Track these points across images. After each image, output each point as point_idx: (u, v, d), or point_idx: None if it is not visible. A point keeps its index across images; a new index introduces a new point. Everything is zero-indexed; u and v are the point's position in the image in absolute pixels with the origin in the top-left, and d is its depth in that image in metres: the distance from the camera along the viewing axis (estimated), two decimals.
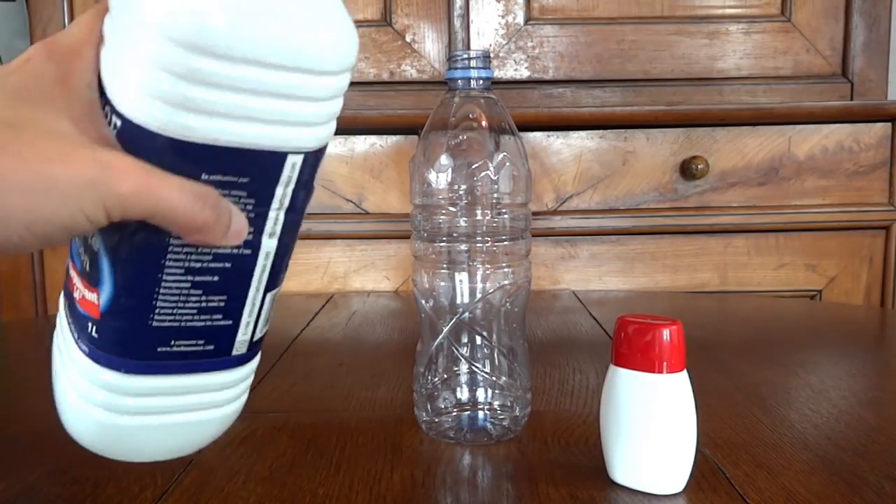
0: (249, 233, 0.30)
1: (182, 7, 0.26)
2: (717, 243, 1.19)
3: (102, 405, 0.32)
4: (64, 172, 0.25)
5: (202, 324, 0.31)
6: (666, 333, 0.40)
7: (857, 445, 0.49)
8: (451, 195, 0.50)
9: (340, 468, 0.46)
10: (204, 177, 0.28)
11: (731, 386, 0.63)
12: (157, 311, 0.30)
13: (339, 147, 1.16)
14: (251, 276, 0.32)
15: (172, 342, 0.31)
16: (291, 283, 1.18)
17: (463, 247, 0.51)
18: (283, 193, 0.31)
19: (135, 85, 0.27)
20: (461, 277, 0.51)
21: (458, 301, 0.51)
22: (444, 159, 0.50)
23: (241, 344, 0.33)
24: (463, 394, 0.52)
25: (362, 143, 1.16)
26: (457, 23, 1.24)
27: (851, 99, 1.26)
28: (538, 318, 0.91)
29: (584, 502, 0.41)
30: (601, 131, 1.16)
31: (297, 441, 0.51)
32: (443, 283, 0.51)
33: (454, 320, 0.51)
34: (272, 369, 0.69)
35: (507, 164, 0.50)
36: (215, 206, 0.28)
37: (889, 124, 1.17)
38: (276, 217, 0.31)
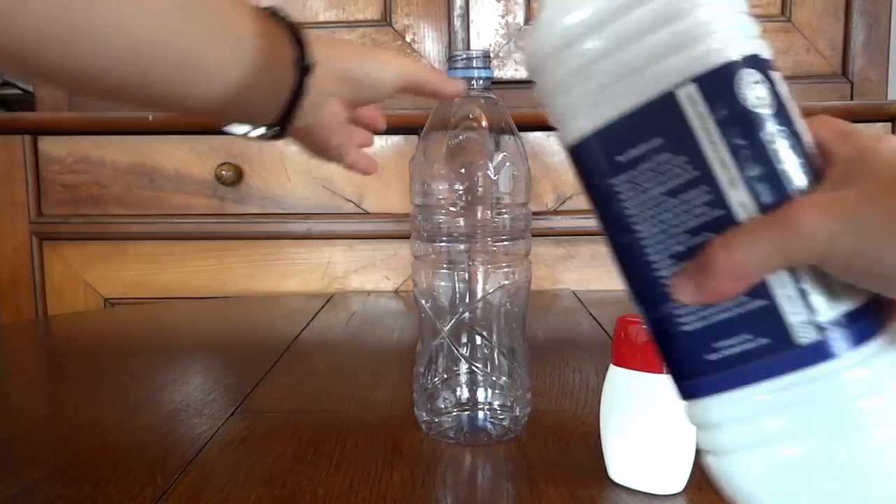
0: (707, 192, 0.26)
1: (554, 14, 0.27)
2: None
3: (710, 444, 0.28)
4: (373, 52, 0.47)
5: (729, 314, 0.27)
6: None
7: None
8: (450, 195, 0.50)
9: (340, 468, 0.46)
10: (621, 158, 0.27)
11: None
12: (674, 310, 0.28)
13: None
14: None
15: (716, 344, 0.27)
16: (291, 282, 1.18)
17: (462, 247, 0.51)
18: (705, 130, 0.26)
19: (565, 114, 0.28)
20: (461, 277, 0.51)
21: (458, 301, 0.51)
22: (444, 159, 0.50)
23: (801, 327, 0.26)
24: (463, 394, 0.52)
25: None
26: (457, 23, 1.24)
27: (851, 99, 1.26)
28: (538, 318, 0.91)
29: (584, 502, 0.41)
30: None
31: (297, 441, 0.51)
32: (443, 283, 0.51)
33: (454, 320, 0.51)
34: (272, 369, 0.69)
35: (507, 164, 0.50)
36: (440, 73, 0.50)
37: (889, 124, 1.16)
38: (721, 159, 0.26)
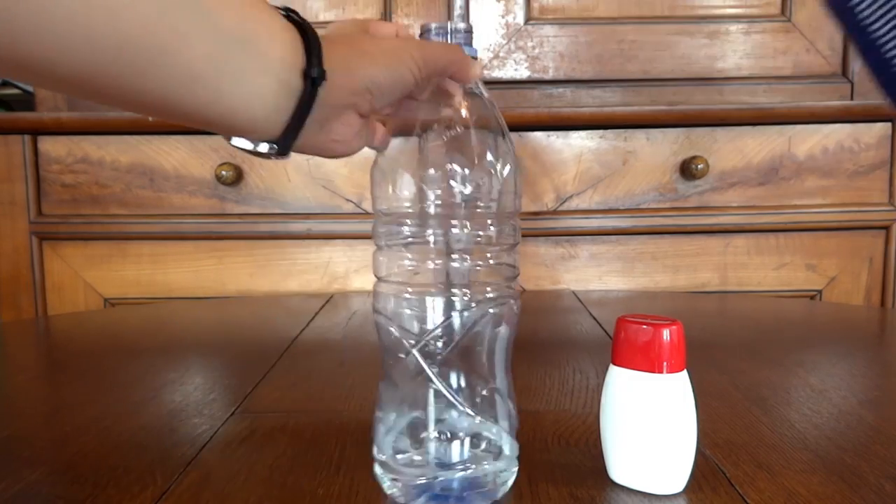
0: None
1: None
2: (717, 243, 1.19)
3: None
4: (387, 46, 0.40)
5: None
6: (666, 333, 0.40)
7: (857, 445, 0.49)
8: (420, 205, 0.41)
9: (340, 468, 0.46)
10: None
11: (731, 386, 0.63)
12: None
13: None
14: None
15: None
16: (291, 282, 1.18)
17: (437, 264, 0.41)
18: None
19: None
20: (434, 303, 0.41)
21: (430, 331, 0.41)
22: (415, 164, 0.42)
23: None
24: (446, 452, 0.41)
25: None
26: None
27: (851, 99, 1.26)
28: (538, 318, 0.91)
29: (584, 502, 0.41)
30: (601, 131, 1.16)
31: (297, 441, 0.51)
32: (409, 311, 0.41)
33: (439, 358, 0.41)
34: (272, 369, 0.69)
35: (493, 166, 0.41)
36: (460, 50, 0.42)
37: (889, 124, 1.16)
38: None
